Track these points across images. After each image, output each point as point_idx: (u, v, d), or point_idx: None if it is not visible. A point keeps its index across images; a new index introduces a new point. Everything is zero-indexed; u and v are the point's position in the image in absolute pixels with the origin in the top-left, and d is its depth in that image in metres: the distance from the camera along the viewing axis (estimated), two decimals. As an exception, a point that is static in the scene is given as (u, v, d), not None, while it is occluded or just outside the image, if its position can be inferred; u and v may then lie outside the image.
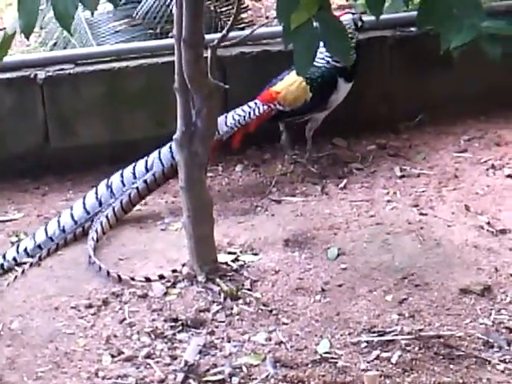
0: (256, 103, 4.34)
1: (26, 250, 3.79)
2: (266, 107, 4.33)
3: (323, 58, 4.27)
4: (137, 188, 4.03)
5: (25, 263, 3.71)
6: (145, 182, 4.04)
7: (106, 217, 3.94)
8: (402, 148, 4.62)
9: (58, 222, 3.91)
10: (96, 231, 3.87)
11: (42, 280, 3.60)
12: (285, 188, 4.30)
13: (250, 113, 4.29)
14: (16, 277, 3.61)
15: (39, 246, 3.81)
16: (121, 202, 4.00)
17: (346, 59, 2.76)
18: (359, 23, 4.41)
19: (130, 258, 3.74)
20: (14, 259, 3.76)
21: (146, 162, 4.06)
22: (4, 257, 3.76)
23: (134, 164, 4.09)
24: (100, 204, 3.98)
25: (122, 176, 4.06)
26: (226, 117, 4.27)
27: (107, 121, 4.55)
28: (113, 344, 3.21)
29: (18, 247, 3.81)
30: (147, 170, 4.04)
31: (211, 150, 4.15)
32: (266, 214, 4.06)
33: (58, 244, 3.84)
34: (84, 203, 3.98)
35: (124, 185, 4.04)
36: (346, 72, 4.35)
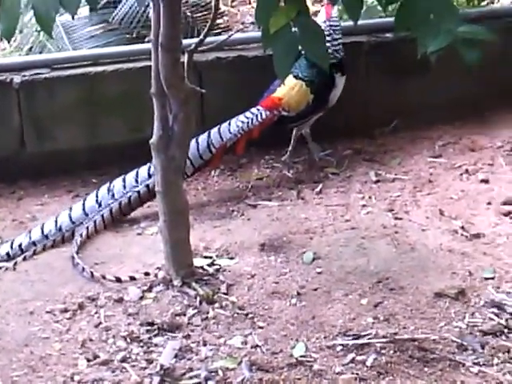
0: (258, 109, 4.35)
1: (20, 246, 3.84)
2: (268, 113, 4.34)
3: None
4: (138, 192, 4.05)
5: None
6: (147, 186, 4.05)
7: (102, 216, 3.98)
8: (377, 153, 4.66)
9: (56, 221, 3.93)
10: (87, 228, 3.91)
11: (17, 284, 3.59)
12: (261, 192, 4.32)
13: (252, 119, 4.31)
14: None
15: (34, 243, 3.85)
16: (119, 204, 4.03)
17: (324, 63, 2.77)
18: None
19: (105, 262, 3.74)
20: (8, 254, 3.80)
21: (149, 167, 4.06)
22: None
23: (136, 170, 4.12)
24: (99, 206, 4.01)
25: (124, 181, 4.09)
26: (229, 123, 4.29)
27: (83, 125, 4.55)
28: (88, 348, 3.19)
29: (12, 243, 3.85)
30: (149, 176, 4.05)
31: (216, 156, 4.23)
32: (241, 219, 4.08)
33: (54, 240, 3.88)
34: (84, 205, 4.00)
35: (125, 189, 4.07)
36: (340, 66, 4.41)
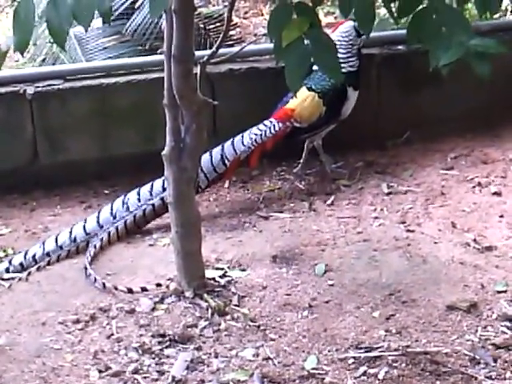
0: (271, 121, 4.35)
1: (34, 256, 3.84)
2: (281, 125, 4.34)
3: None
4: (153, 205, 4.06)
5: (13, 278, 3.72)
6: (161, 199, 4.05)
7: (116, 228, 3.99)
8: (389, 165, 4.65)
9: (70, 232, 3.94)
10: (101, 240, 3.92)
11: (29, 295, 3.59)
12: (272, 204, 4.32)
13: (266, 131, 4.30)
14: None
15: (48, 254, 3.86)
16: (134, 216, 4.04)
17: (336, 76, 2.77)
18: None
19: (117, 273, 3.74)
20: (21, 264, 3.81)
21: (164, 181, 4.06)
22: (10, 262, 3.81)
23: (151, 182, 4.12)
24: (114, 218, 4.03)
25: (138, 194, 4.10)
26: (242, 136, 4.29)
27: (96, 137, 4.56)
28: (100, 359, 3.20)
29: (26, 253, 3.86)
30: (164, 189, 4.03)
31: (230, 169, 4.22)
32: (253, 230, 4.07)
33: (68, 251, 3.89)
34: (98, 217, 4.01)
35: (140, 202, 4.08)
36: (354, 80, 4.41)
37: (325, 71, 2.67)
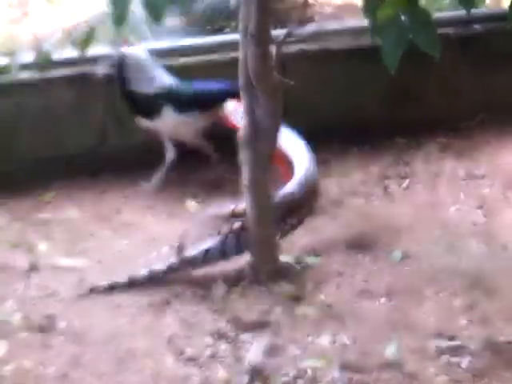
0: None
1: None
2: None
3: None
4: None
5: None
6: None
7: None
8: (464, 148, 4.53)
9: None
10: None
11: (102, 277, 3.56)
12: (346, 188, 4.22)
13: None
14: None
15: None
16: None
17: (435, 52, 2.66)
18: None
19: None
20: None
21: None
22: None
23: None
24: None
25: None
26: None
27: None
28: (175, 343, 3.16)
29: None
30: None
31: None
32: (327, 215, 3.99)
33: None
34: None
35: None
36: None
37: (423, 48, 2.57)
